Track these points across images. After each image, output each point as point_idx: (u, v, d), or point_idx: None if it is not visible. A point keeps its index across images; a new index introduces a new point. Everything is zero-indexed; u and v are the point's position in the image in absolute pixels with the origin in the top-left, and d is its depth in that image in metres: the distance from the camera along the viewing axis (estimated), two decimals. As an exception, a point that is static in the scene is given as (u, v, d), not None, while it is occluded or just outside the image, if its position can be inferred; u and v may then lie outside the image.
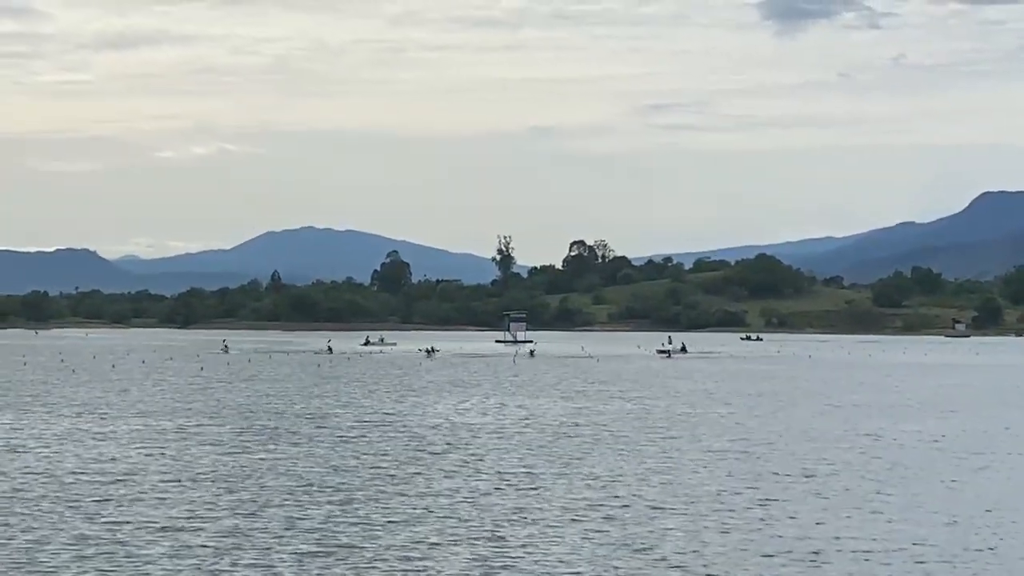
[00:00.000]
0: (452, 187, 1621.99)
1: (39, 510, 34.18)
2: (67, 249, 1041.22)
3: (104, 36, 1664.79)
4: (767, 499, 36.79)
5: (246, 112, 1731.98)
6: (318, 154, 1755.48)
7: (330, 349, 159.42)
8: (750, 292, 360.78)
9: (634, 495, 37.30)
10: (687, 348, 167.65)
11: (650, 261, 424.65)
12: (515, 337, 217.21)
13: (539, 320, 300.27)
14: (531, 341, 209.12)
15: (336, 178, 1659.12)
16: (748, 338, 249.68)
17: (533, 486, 38.93)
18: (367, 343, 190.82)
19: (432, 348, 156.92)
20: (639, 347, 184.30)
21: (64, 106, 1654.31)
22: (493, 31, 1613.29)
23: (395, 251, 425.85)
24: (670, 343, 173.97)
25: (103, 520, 32.77)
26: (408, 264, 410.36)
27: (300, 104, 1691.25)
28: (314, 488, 38.14)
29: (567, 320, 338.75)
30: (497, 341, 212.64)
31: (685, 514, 34.26)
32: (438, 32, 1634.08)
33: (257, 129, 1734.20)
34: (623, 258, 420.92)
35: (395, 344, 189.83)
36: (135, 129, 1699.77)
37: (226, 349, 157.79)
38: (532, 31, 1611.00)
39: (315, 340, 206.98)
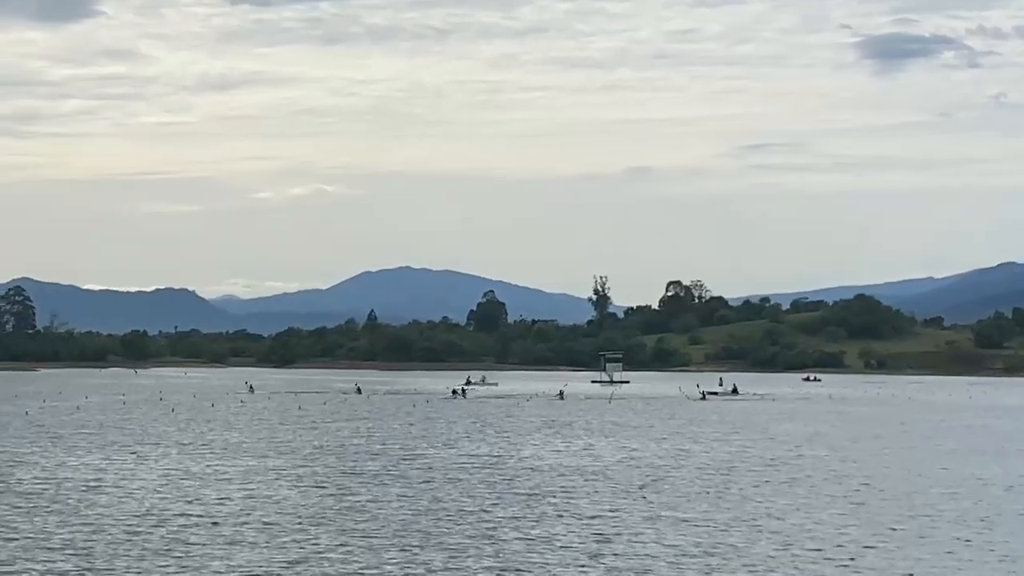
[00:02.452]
0: (548, 228, 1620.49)
1: (144, 551, 34.29)
2: (166, 289, 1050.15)
3: (206, 78, 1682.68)
4: (868, 546, 36.22)
5: (344, 153, 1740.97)
6: (415, 195, 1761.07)
7: (359, 390, 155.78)
8: (849, 333, 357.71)
9: (724, 542, 36.85)
10: (738, 390, 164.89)
11: (747, 302, 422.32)
12: (611, 377, 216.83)
13: (635, 360, 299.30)
14: (627, 381, 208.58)
15: (433, 218, 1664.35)
16: (808, 379, 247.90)
17: (624, 532, 38.56)
18: (468, 383, 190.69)
19: (463, 388, 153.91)
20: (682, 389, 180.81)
21: (165, 148, 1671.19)
22: (590, 72, 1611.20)
23: (491, 291, 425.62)
24: (721, 385, 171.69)
25: (211, 564, 32.82)
26: (504, 304, 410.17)
27: (397, 145, 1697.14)
28: (408, 531, 38.02)
29: (663, 360, 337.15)
30: (593, 381, 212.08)
31: (776, 560, 33.79)
32: (535, 73, 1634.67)
33: (354, 170, 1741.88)
34: (720, 298, 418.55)
35: (496, 384, 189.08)
36: (234, 170, 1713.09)
37: (251, 390, 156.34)
38: (629, 72, 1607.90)
39: (410, 380, 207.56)
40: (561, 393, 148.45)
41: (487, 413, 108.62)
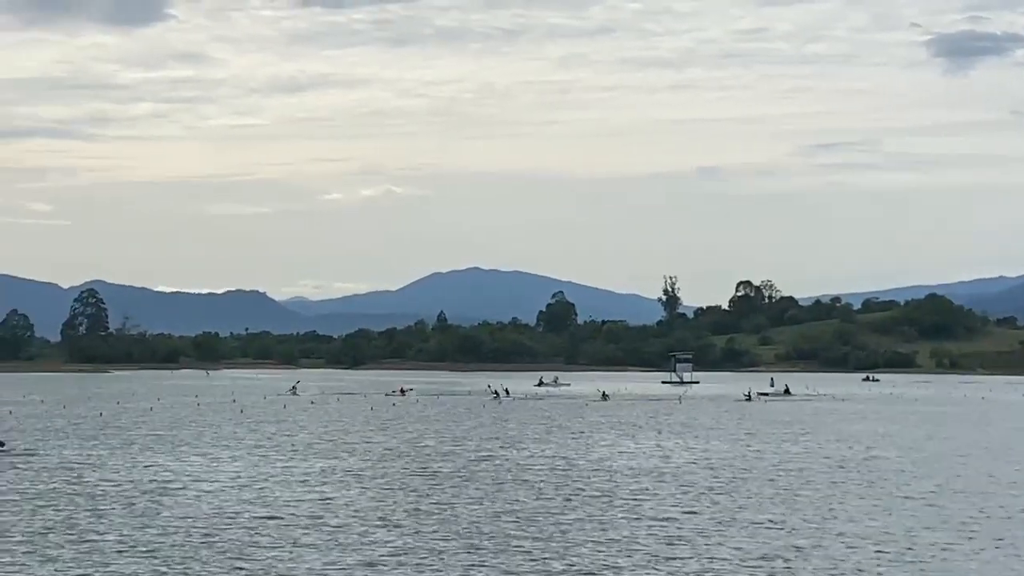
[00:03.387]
0: (618, 228, 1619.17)
1: (215, 554, 34.40)
2: (237, 291, 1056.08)
3: (275, 80, 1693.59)
4: (941, 549, 35.83)
5: (413, 154, 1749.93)
6: (484, 195, 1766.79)
7: (402, 391, 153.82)
8: (920, 333, 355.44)
9: (793, 545, 36.56)
10: (790, 390, 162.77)
11: (818, 301, 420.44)
12: (681, 378, 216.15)
13: (705, 361, 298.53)
14: (697, 382, 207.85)
15: (502, 219, 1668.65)
16: (868, 379, 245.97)
17: (694, 535, 38.33)
18: (541, 384, 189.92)
19: (506, 390, 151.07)
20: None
21: (235, 150, 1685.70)
22: (659, 71, 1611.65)
23: (561, 292, 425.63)
24: (772, 385, 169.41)
25: (281, 566, 32.90)
26: (574, 305, 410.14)
27: (467, 146, 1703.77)
28: (478, 534, 37.97)
29: (733, 361, 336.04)
30: (663, 382, 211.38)
31: (846, 563, 33.49)
32: (604, 73, 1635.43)
33: (424, 171, 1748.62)
34: (790, 298, 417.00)
35: (569, 385, 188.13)
36: (303, 172, 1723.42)
37: (295, 391, 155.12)
38: (698, 71, 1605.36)
39: (478, 381, 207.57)
40: (604, 395, 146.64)
41: (523, 417, 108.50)
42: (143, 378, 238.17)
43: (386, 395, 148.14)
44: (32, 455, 64.28)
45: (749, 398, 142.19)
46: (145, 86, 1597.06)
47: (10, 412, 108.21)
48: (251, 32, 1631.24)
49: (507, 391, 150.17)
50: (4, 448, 64.50)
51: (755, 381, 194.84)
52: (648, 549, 35.47)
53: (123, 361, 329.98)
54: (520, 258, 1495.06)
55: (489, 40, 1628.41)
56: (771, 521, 40.94)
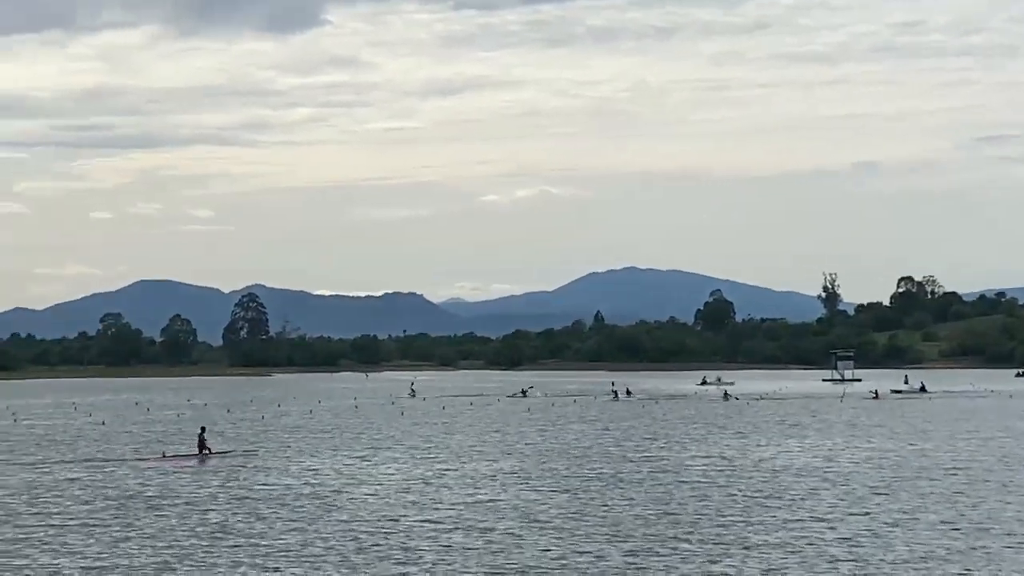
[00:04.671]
0: (775, 225, 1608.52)
1: (374, 558, 34.41)
2: (395, 293, 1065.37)
3: (430, 83, 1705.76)
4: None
5: (569, 154, 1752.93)
6: (640, 194, 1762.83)
7: (524, 393, 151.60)
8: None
9: (962, 544, 35.70)
10: (926, 388, 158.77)
11: (982, 296, 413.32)
12: (843, 375, 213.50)
13: (867, 358, 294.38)
14: (858, 379, 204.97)
15: (658, 218, 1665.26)
16: (1020, 375, 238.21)
17: (862, 537, 37.60)
18: (704, 383, 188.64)
19: (627, 390, 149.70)
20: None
21: (391, 153, 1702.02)
22: (814, 67, 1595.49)
23: (718, 290, 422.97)
24: (906, 383, 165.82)
25: (444, 571, 32.81)
26: (732, 303, 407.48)
27: (622, 145, 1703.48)
28: (643, 537, 37.59)
29: (896, 358, 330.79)
30: (824, 380, 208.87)
31: (1013, 564, 32.64)
32: (759, 70, 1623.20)
33: (580, 171, 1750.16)
34: (953, 294, 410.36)
35: (732, 383, 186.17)
36: (459, 174, 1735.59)
37: (413, 393, 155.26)
38: (854, 65, 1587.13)
39: (639, 380, 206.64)
40: (725, 394, 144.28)
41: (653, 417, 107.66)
42: (304, 381, 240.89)
43: (508, 396, 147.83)
44: (252, 455, 66.95)
45: (876, 396, 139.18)
46: (302, 91, 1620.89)
47: (179, 416, 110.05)
48: (405, 36, 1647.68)
49: (628, 391, 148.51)
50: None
51: (917, 378, 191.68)
52: (810, 551, 34.83)
53: (284, 364, 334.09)
54: (677, 257, 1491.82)
55: (642, 39, 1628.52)
56: (935, 522, 40.05)
